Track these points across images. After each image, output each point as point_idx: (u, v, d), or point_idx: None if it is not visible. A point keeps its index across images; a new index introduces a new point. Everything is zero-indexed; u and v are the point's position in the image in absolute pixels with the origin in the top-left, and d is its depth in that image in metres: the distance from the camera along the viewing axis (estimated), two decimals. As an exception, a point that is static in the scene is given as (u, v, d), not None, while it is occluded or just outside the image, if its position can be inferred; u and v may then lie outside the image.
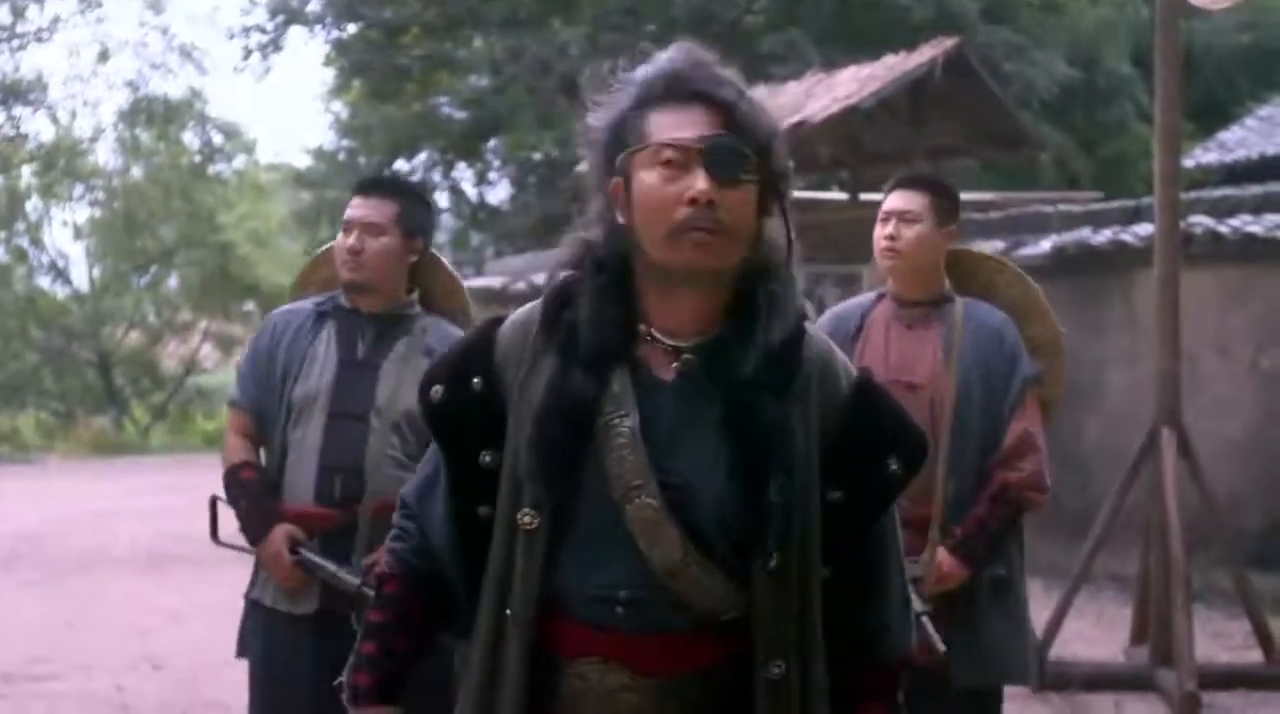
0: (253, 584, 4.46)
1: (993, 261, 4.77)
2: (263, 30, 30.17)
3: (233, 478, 4.44)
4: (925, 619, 4.07)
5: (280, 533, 4.28)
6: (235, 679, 4.65)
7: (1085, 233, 11.63)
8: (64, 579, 12.67)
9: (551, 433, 2.36)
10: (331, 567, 4.22)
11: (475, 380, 2.47)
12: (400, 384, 4.28)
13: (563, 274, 2.48)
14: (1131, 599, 8.76)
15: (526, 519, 2.40)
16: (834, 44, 23.69)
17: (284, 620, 4.35)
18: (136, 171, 33.17)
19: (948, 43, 15.51)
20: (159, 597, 11.48)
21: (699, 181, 2.31)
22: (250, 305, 35.59)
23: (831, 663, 2.47)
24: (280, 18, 30.09)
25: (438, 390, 2.51)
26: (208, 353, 36.60)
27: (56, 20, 28.96)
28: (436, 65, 28.61)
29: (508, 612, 2.43)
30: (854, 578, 2.48)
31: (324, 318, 4.46)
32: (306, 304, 4.53)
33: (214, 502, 4.52)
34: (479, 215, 32.54)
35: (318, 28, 30.86)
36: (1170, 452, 8.06)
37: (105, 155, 33.51)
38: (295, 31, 30.70)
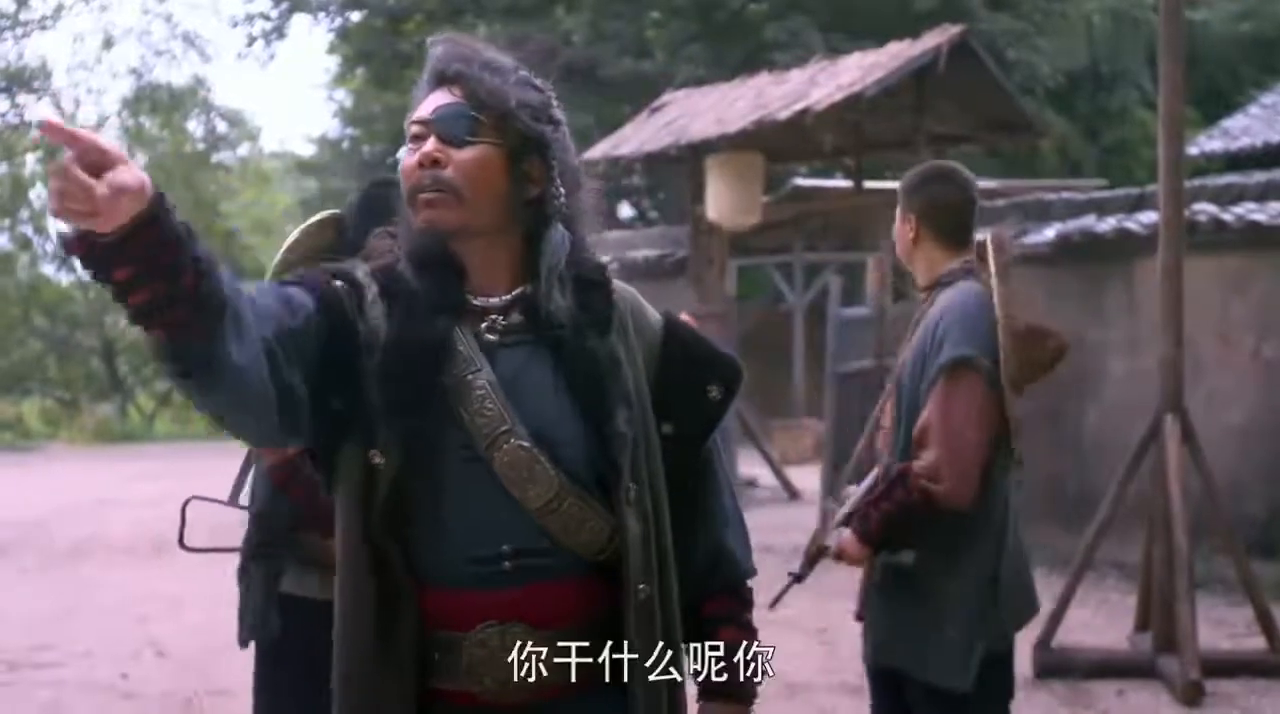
0: (276, 579, 4.47)
1: (981, 242, 4.65)
2: (266, 18, 30.25)
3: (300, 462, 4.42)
4: (789, 575, 4.38)
5: None
6: (238, 665, 4.64)
7: (1089, 221, 11.62)
8: (66, 566, 12.70)
9: (405, 368, 2.42)
10: None
11: (338, 283, 2.47)
12: None
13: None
14: (1134, 587, 8.76)
15: (377, 459, 2.43)
16: (838, 31, 23.71)
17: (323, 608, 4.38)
18: (140, 159, 33.12)
19: (952, 30, 15.48)
20: (161, 584, 11.50)
21: (427, 144, 2.50)
22: (254, 292, 35.55)
23: (682, 590, 2.60)
24: (284, 5, 30.16)
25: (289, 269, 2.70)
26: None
27: (60, 8, 29.00)
28: (440, 53, 28.59)
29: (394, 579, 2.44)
30: (688, 505, 2.65)
31: None
32: None
33: (186, 505, 4.53)
34: (482, 202, 32.53)
35: (321, 15, 30.92)
36: (1174, 439, 8.06)
37: (109, 143, 33.46)
38: (299, 19, 30.82)
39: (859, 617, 4.55)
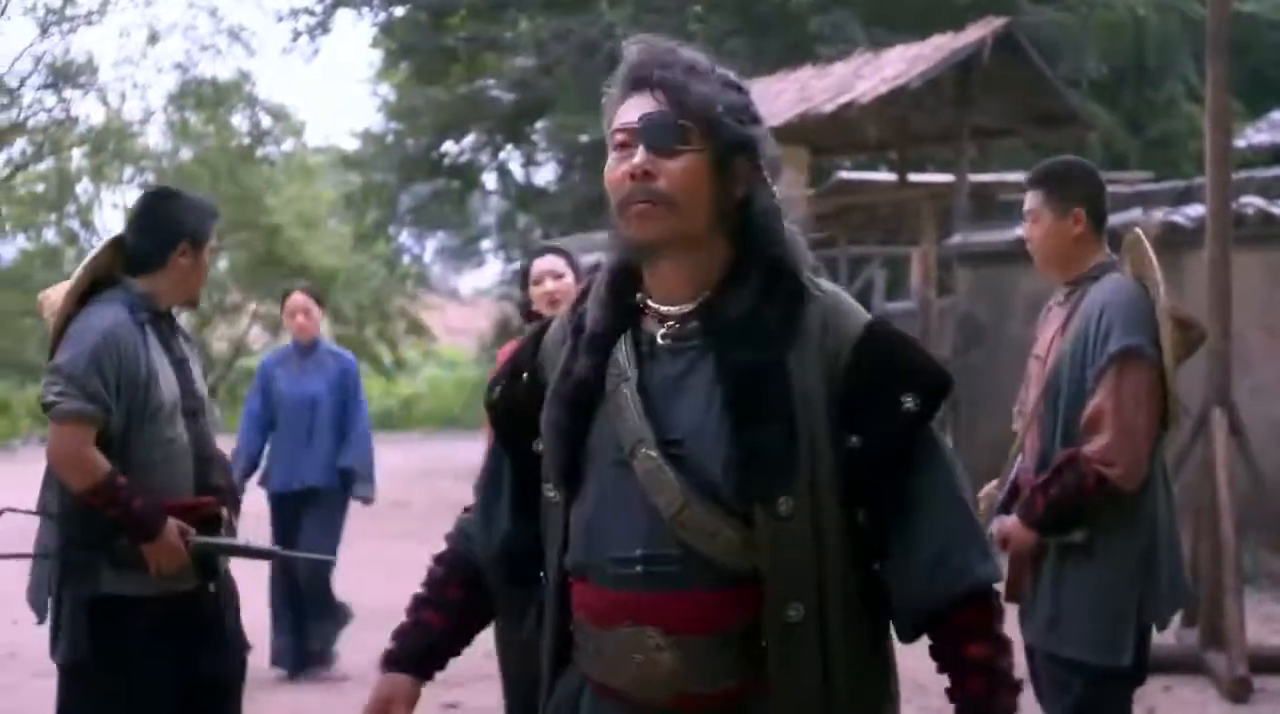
0: (95, 581, 4.54)
1: (1130, 236, 4.84)
2: (311, 13, 30.28)
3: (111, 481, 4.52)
4: None
5: (174, 524, 4.57)
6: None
7: (1135, 213, 11.57)
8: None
9: (556, 414, 2.58)
10: (236, 541, 4.83)
11: (524, 376, 2.71)
12: None
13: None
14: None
15: (550, 494, 2.62)
16: (881, 24, 23.62)
17: (155, 602, 4.59)
18: (186, 154, 33.27)
19: (996, 23, 15.43)
20: None
21: (637, 156, 2.49)
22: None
23: (905, 608, 2.55)
24: (328, 0, 30.18)
25: (496, 388, 2.77)
26: (256, 335, 36.70)
27: (106, 3, 29.03)
28: (483, 47, 28.65)
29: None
30: (893, 518, 2.53)
31: None
32: None
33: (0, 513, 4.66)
34: (526, 197, 32.62)
35: (365, 10, 30.97)
36: (1222, 432, 8.03)
37: (155, 138, 33.43)
38: (343, 14, 30.83)
39: (1010, 599, 4.55)
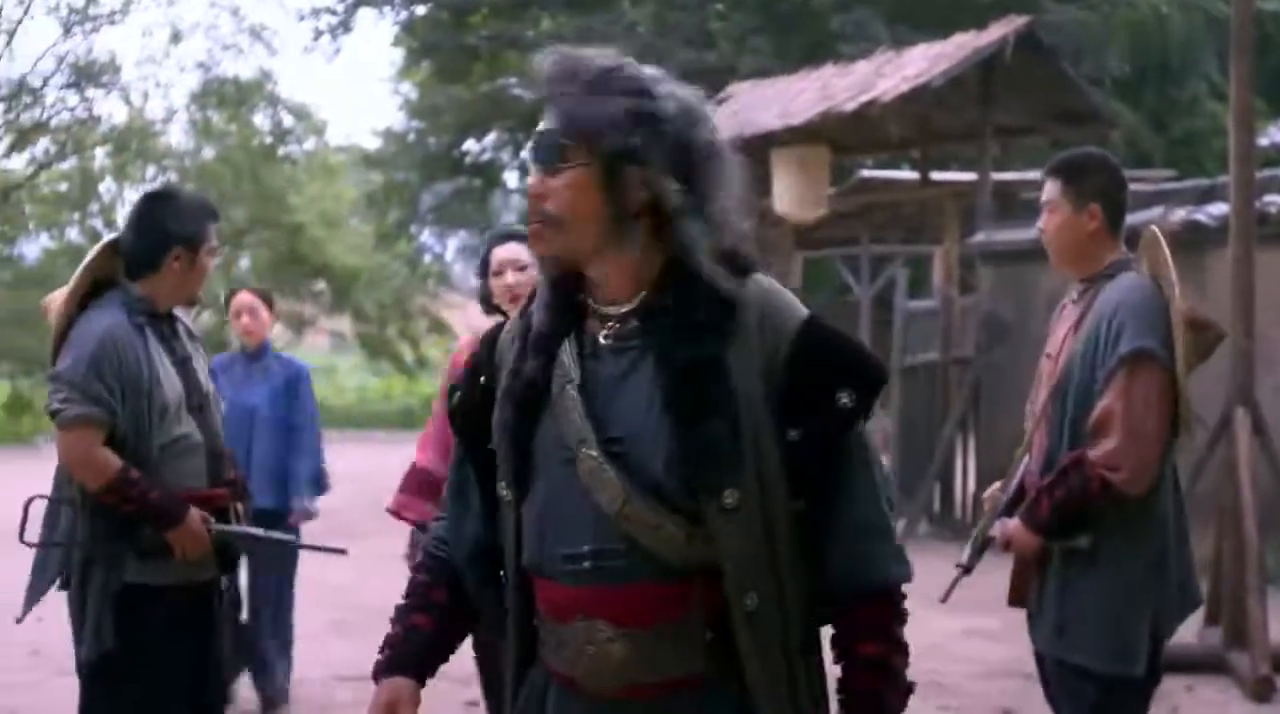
0: (121, 572, 4.60)
1: (1148, 235, 4.73)
2: (332, 12, 30.37)
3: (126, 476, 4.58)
4: (957, 568, 4.46)
5: (196, 511, 4.65)
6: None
7: (1158, 212, 11.54)
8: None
9: (506, 415, 2.63)
10: (254, 530, 4.93)
11: (481, 379, 2.75)
12: None
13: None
14: (1204, 580, 8.70)
15: (504, 493, 2.67)
16: (903, 22, 23.62)
17: (176, 591, 4.67)
18: (208, 153, 33.38)
19: (1018, 21, 15.39)
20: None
21: (530, 176, 2.59)
22: (321, 285, 35.77)
23: (822, 600, 2.58)
24: (349, -1, 30.25)
25: (456, 393, 2.82)
26: (279, 333, 36.75)
27: (129, 2, 29.17)
28: (504, 45, 28.68)
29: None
30: (820, 512, 2.56)
31: None
32: None
33: (30, 502, 4.71)
34: (548, 195, 32.58)
35: (386, 9, 31.04)
36: (1244, 431, 8.02)
37: (177, 137, 33.59)
38: (364, 13, 30.91)
39: (1015, 603, 4.59)
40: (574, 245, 2.53)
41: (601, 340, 2.59)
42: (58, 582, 4.67)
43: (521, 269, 5.14)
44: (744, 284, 2.56)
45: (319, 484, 7.97)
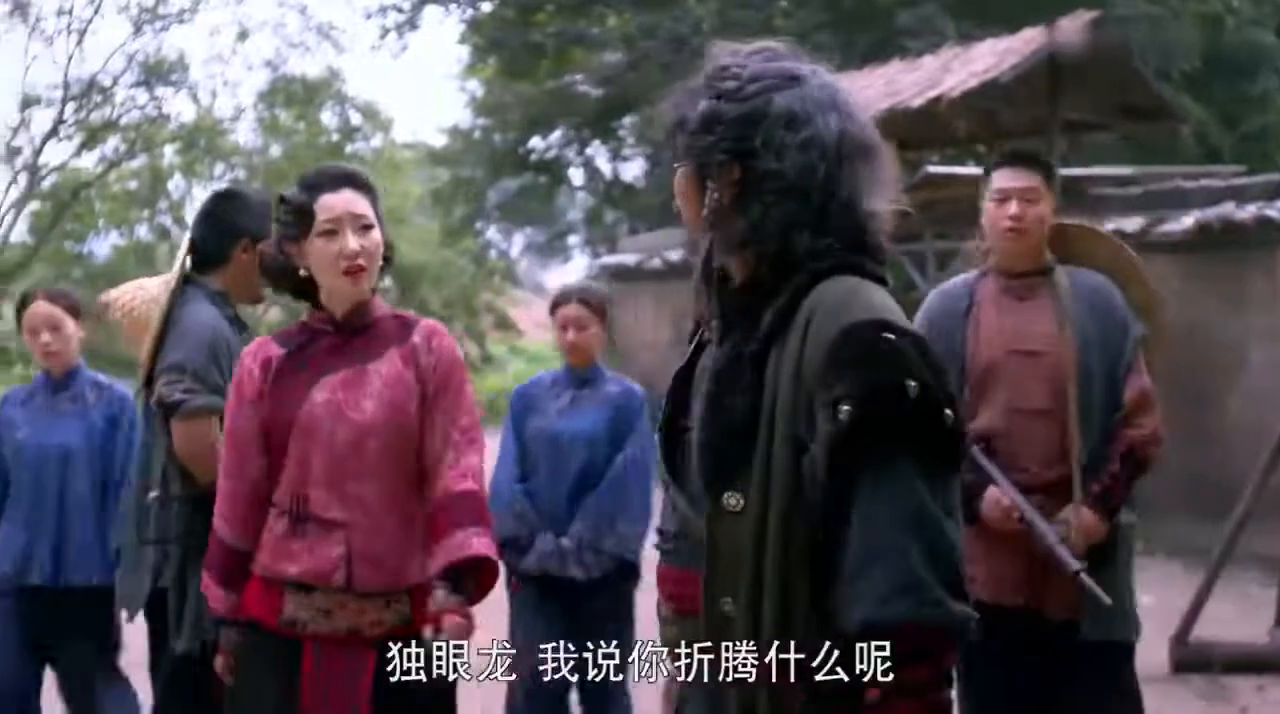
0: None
1: (1087, 230, 4.91)
2: (399, 9, 30.45)
3: None
4: (1083, 575, 4.37)
5: None
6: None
7: (1228, 208, 11.44)
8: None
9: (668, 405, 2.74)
10: None
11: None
12: None
13: None
14: (1275, 580, 8.62)
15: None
16: (970, 18, 23.47)
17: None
18: (276, 150, 33.55)
19: (1086, 16, 15.28)
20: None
21: None
22: (387, 281, 35.87)
23: (831, 635, 2.35)
24: (416, -3, 30.35)
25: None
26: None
27: (198, 1, 29.36)
28: (570, 42, 28.68)
29: None
30: (830, 536, 2.37)
31: None
32: None
33: (149, 499, 4.76)
34: (613, 192, 32.68)
35: (453, 6, 31.11)
36: (1316, 429, 7.94)
37: (245, 134, 33.79)
38: (431, 10, 30.96)
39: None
40: (693, 238, 2.66)
41: (709, 332, 2.67)
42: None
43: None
44: (809, 284, 2.47)
45: None
